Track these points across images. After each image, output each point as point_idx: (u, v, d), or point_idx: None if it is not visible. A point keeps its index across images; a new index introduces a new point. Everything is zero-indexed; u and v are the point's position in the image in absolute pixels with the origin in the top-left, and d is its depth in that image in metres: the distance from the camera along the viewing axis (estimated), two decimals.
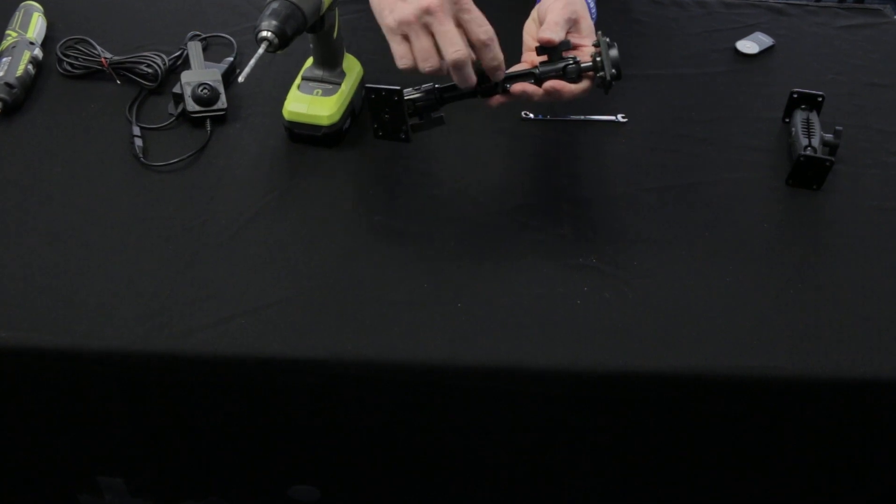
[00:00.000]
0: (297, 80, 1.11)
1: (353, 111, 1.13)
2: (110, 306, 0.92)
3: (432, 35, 0.90)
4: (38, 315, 0.91)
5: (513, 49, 1.02)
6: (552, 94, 0.96)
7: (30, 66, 1.15)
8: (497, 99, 0.98)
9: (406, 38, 0.91)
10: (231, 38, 1.25)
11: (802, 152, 1.09)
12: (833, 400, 0.96)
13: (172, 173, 1.07)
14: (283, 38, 0.94)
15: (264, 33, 0.93)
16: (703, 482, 1.07)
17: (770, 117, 1.20)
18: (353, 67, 1.14)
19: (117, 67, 1.17)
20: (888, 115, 1.22)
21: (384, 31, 0.93)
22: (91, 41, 1.19)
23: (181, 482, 1.10)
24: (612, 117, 1.18)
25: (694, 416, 0.98)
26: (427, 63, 0.91)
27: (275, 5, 0.94)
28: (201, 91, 1.12)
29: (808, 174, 1.09)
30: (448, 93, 0.98)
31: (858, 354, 0.93)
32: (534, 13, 1.04)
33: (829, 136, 1.10)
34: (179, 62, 1.21)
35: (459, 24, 0.91)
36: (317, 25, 1.02)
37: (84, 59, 1.18)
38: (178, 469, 1.07)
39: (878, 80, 1.28)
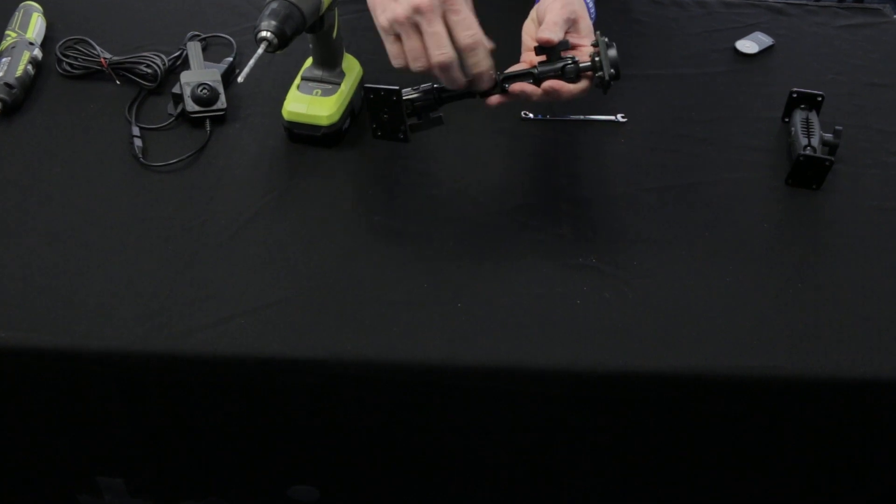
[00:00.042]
0: (297, 81, 1.11)
1: (352, 111, 1.13)
2: (110, 306, 0.92)
3: (422, 35, 0.90)
4: (37, 315, 0.91)
5: (512, 49, 1.02)
6: (551, 94, 0.96)
7: (29, 67, 1.15)
8: (495, 99, 0.98)
9: (398, 37, 0.91)
10: (230, 39, 1.25)
11: (802, 152, 1.08)
12: (833, 400, 0.95)
13: (172, 173, 1.07)
14: (283, 39, 0.94)
15: (263, 33, 0.93)
16: (703, 482, 1.07)
17: (770, 117, 1.20)
18: (352, 67, 1.14)
19: (117, 68, 1.17)
20: (888, 114, 1.22)
21: (378, 30, 0.93)
22: (90, 41, 1.19)
23: (181, 482, 1.10)
24: (612, 117, 1.18)
25: (694, 416, 0.98)
26: (417, 63, 0.92)
27: (274, 5, 0.94)
28: (201, 91, 1.12)
29: (807, 174, 1.09)
30: (446, 93, 0.98)
31: (858, 354, 0.93)
32: (533, 13, 1.04)
33: (828, 136, 1.10)
34: (179, 62, 1.21)
35: (448, 26, 0.91)
36: (316, 25, 1.02)
37: (83, 60, 1.18)
38: (177, 469, 1.07)
39: (878, 79, 1.28)
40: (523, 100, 0.97)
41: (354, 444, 1.02)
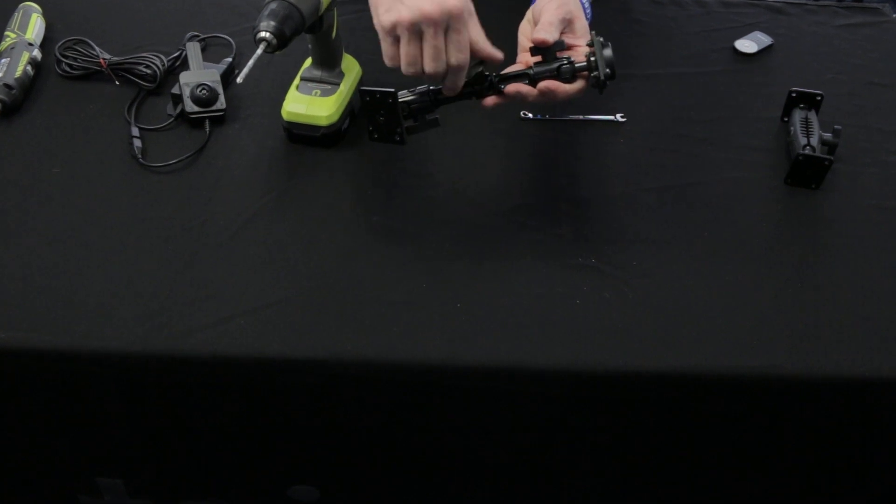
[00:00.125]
0: (296, 81, 1.11)
1: (351, 111, 1.13)
2: (109, 307, 0.92)
3: (421, 42, 0.91)
4: (37, 315, 0.91)
5: (510, 49, 1.02)
6: (546, 95, 0.97)
7: (28, 67, 1.15)
8: (491, 100, 0.99)
9: (397, 39, 0.91)
10: (230, 39, 1.25)
11: (801, 151, 1.09)
12: (833, 400, 0.96)
13: (171, 174, 1.07)
14: (282, 39, 0.94)
15: (262, 34, 0.93)
16: (703, 482, 1.07)
17: (769, 117, 1.20)
18: (351, 68, 1.14)
19: (116, 68, 1.17)
20: (887, 114, 1.22)
21: (377, 27, 0.93)
22: (90, 42, 1.19)
23: (180, 483, 1.10)
24: (611, 117, 1.18)
25: (694, 415, 0.98)
26: (411, 68, 0.92)
27: (273, 6, 0.94)
28: (200, 92, 1.12)
29: (806, 173, 1.09)
30: (442, 95, 0.98)
31: (858, 354, 0.93)
32: (529, 14, 1.04)
33: (827, 136, 1.10)
34: (178, 63, 1.21)
35: (445, 40, 0.91)
36: (315, 26, 1.02)
37: (83, 60, 1.18)
38: (177, 470, 1.07)
39: (878, 79, 1.28)
40: (519, 101, 0.98)
41: (354, 444, 1.02)
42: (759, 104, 1.22)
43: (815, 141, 1.10)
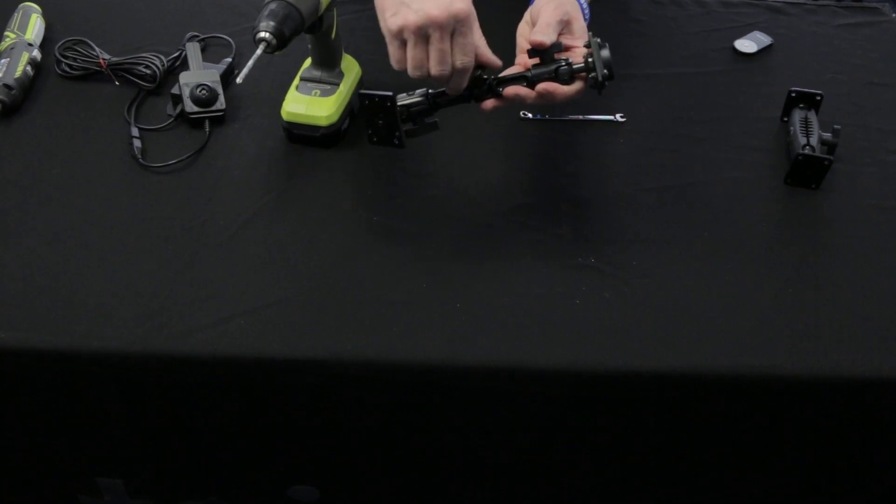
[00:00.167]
0: (296, 81, 1.11)
1: (351, 112, 1.13)
2: (109, 307, 0.92)
3: (427, 45, 0.91)
4: (37, 315, 0.91)
5: (510, 49, 1.02)
6: (545, 97, 0.97)
7: (28, 68, 1.15)
8: (490, 103, 0.99)
9: (403, 43, 0.92)
10: (229, 39, 1.25)
11: (801, 151, 1.09)
12: (833, 400, 0.96)
13: (171, 174, 1.07)
14: (281, 39, 0.94)
15: (262, 34, 0.93)
16: (703, 482, 1.07)
17: (769, 116, 1.20)
18: (351, 68, 1.14)
19: (116, 68, 1.17)
20: (887, 114, 1.22)
21: (383, 30, 0.93)
22: (89, 42, 1.19)
23: (180, 483, 1.10)
24: (611, 117, 1.18)
25: (694, 415, 0.98)
26: (417, 71, 0.93)
27: (272, 6, 0.94)
28: (200, 92, 1.12)
29: (806, 173, 1.09)
30: (441, 98, 0.98)
31: (858, 354, 0.93)
32: (526, 15, 1.04)
33: (827, 135, 1.10)
34: (178, 63, 1.21)
35: (451, 44, 0.92)
36: (315, 26, 1.02)
37: (82, 61, 1.18)
38: (177, 470, 1.07)
39: (877, 79, 1.28)
40: (518, 103, 0.98)
41: (354, 444, 1.02)
42: (759, 104, 1.22)
43: (814, 141, 1.10)
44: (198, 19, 1.29)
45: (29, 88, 1.15)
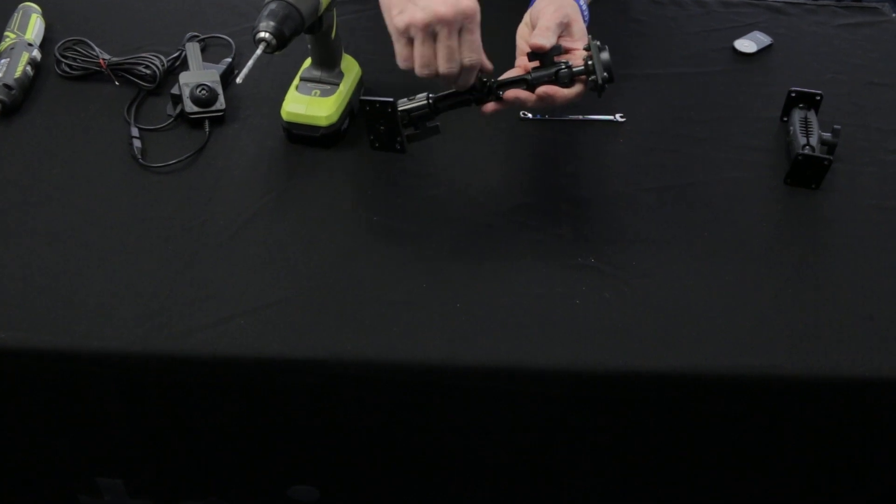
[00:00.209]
0: (296, 81, 1.11)
1: (351, 112, 1.13)
2: (109, 307, 0.92)
3: (435, 43, 0.91)
4: (37, 315, 0.91)
5: (510, 50, 1.02)
6: (545, 100, 0.97)
7: (28, 68, 1.15)
8: (491, 106, 0.99)
9: (410, 41, 0.91)
10: (229, 39, 1.25)
11: (801, 151, 1.09)
12: (833, 400, 0.95)
13: (171, 174, 1.07)
14: (281, 39, 0.94)
15: (262, 34, 0.93)
16: (703, 482, 1.07)
17: (768, 116, 1.20)
18: (351, 68, 1.14)
19: (115, 68, 1.17)
20: (887, 113, 1.22)
21: (390, 28, 0.93)
22: (89, 42, 1.19)
23: (180, 483, 1.10)
24: (611, 117, 1.18)
25: (694, 415, 0.98)
26: (426, 69, 0.92)
27: (272, 6, 0.94)
28: (199, 92, 1.12)
29: (806, 173, 1.09)
30: (442, 102, 0.98)
31: (858, 354, 0.93)
32: (526, 17, 1.04)
33: (827, 135, 1.10)
34: (178, 63, 1.21)
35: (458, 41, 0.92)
36: (315, 26, 1.02)
37: (82, 61, 1.18)
38: (177, 470, 1.07)
39: (877, 79, 1.28)
40: (518, 106, 0.98)
41: (354, 444, 1.02)
42: (759, 104, 1.22)
43: (814, 141, 1.10)
44: (198, 19, 1.29)
45: (29, 88, 1.15)
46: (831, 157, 1.08)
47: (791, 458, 1.02)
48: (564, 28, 0.99)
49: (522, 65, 1.00)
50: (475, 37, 0.92)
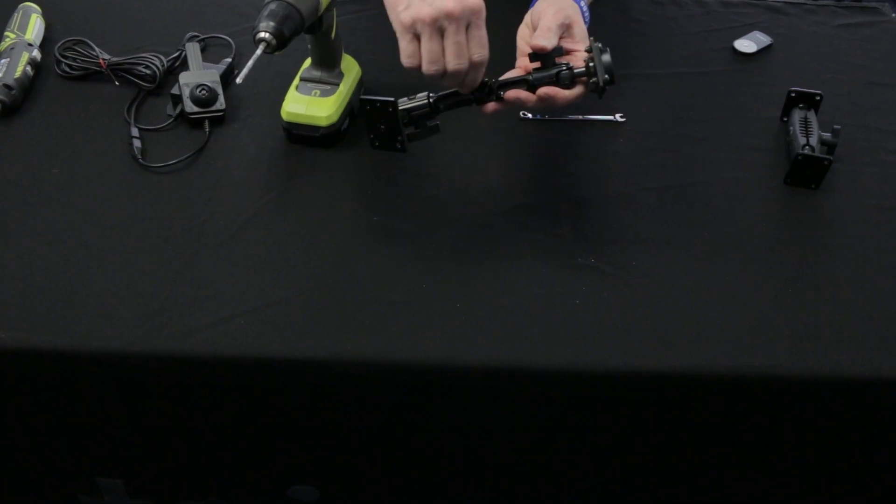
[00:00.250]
0: (296, 81, 1.11)
1: (351, 112, 1.13)
2: (109, 307, 0.92)
3: (442, 39, 0.90)
4: (37, 316, 0.91)
5: (510, 50, 1.02)
6: (546, 101, 0.97)
7: (28, 68, 1.15)
8: (491, 106, 0.99)
9: (417, 37, 0.91)
10: (229, 39, 1.25)
11: (800, 151, 1.09)
12: (833, 400, 0.95)
13: (171, 174, 1.07)
14: (281, 39, 0.94)
15: (262, 34, 0.93)
16: (703, 482, 1.07)
17: (768, 116, 1.20)
18: (351, 68, 1.14)
19: (115, 69, 1.17)
20: (887, 113, 1.22)
21: (395, 25, 0.92)
22: (89, 42, 1.19)
23: (180, 483, 1.10)
24: (611, 117, 1.18)
25: (694, 415, 0.98)
26: (433, 66, 0.91)
27: (272, 6, 0.94)
28: (199, 92, 1.12)
29: (806, 173, 1.09)
30: (442, 101, 0.98)
31: (858, 354, 0.93)
32: (527, 18, 1.04)
33: (827, 135, 1.10)
34: (178, 63, 1.21)
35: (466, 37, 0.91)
36: (315, 26, 1.02)
37: (82, 61, 1.18)
38: (177, 470, 1.07)
39: (877, 79, 1.28)
40: (518, 106, 0.98)
41: (354, 444, 1.02)
42: (759, 104, 1.22)
43: (814, 141, 1.10)
44: (198, 19, 1.29)
45: (29, 88, 1.15)
46: (831, 157, 1.08)
47: (791, 458, 1.02)
48: (565, 29, 0.99)
49: (523, 65, 1.00)
50: (483, 32, 0.91)
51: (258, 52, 0.93)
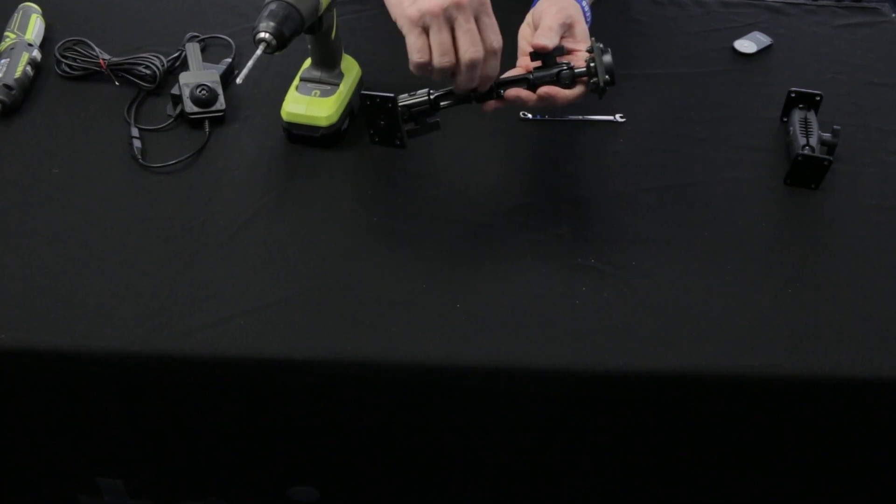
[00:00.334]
0: (296, 81, 1.11)
1: (351, 112, 1.13)
2: (109, 307, 0.92)
3: (452, 31, 0.89)
4: (37, 316, 0.91)
5: (510, 51, 1.02)
6: (546, 100, 0.97)
7: (28, 68, 1.15)
8: (491, 104, 0.99)
9: (425, 31, 0.89)
10: (229, 39, 1.25)
11: (800, 151, 1.09)
12: (833, 400, 0.95)
13: (171, 174, 1.07)
14: (281, 40, 0.94)
15: (262, 34, 0.93)
16: (703, 482, 1.07)
17: (768, 117, 1.20)
18: (351, 68, 1.14)
19: (115, 69, 1.17)
20: (887, 113, 1.22)
21: (401, 21, 0.90)
22: (89, 42, 1.19)
23: (180, 483, 1.10)
24: (611, 117, 1.18)
25: (693, 416, 0.98)
26: (445, 58, 0.90)
27: (272, 6, 0.94)
28: (199, 92, 1.12)
29: (806, 173, 1.09)
30: (442, 99, 0.98)
31: (858, 354, 0.93)
32: (528, 17, 1.04)
33: (826, 136, 1.10)
34: (178, 63, 1.21)
35: (478, 26, 0.90)
36: (315, 26, 1.02)
37: (82, 61, 1.18)
38: (177, 470, 1.07)
39: (877, 79, 1.28)
40: (518, 105, 0.98)
41: (354, 444, 1.02)
42: (759, 104, 1.22)
43: (814, 141, 1.10)
44: (198, 19, 1.29)
45: (29, 88, 1.15)
46: (831, 158, 1.08)
47: (791, 458, 1.02)
48: (567, 29, 0.99)
49: (524, 65, 1.00)
50: (493, 20, 0.90)
51: (258, 52, 0.93)
